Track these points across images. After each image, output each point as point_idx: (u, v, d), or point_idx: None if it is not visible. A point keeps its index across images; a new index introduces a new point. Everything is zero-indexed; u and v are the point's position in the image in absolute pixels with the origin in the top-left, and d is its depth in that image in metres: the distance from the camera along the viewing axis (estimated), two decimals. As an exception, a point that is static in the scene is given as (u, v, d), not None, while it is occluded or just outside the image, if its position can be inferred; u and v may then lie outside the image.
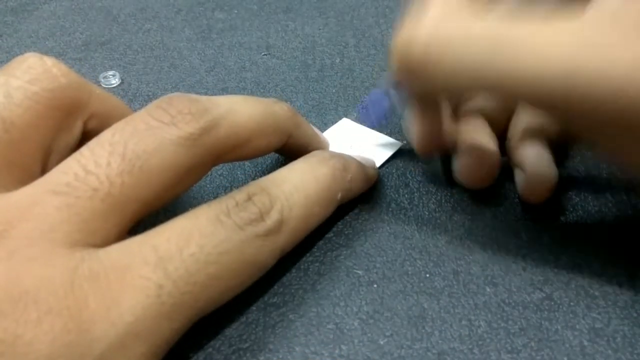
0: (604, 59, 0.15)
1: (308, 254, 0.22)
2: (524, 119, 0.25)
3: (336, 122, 0.29)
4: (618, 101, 0.15)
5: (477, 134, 0.24)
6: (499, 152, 0.24)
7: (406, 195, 0.25)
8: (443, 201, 0.24)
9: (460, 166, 0.24)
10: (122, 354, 0.15)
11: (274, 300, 0.20)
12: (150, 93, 0.32)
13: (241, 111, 0.20)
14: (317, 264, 0.22)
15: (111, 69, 0.34)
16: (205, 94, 0.19)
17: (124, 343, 0.15)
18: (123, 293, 0.15)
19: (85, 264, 0.15)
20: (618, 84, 0.15)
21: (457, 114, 0.25)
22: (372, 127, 0.28)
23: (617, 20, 0.16)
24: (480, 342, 0.19)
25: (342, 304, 0.20)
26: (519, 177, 0.23)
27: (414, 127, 0.24)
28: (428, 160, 0.26)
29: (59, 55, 0.36)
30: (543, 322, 0.19)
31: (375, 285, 0.21)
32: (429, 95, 0.22)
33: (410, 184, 0.25)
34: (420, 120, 0.23)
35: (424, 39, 0.18)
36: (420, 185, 0.25)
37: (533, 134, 0.24)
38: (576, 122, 0.18)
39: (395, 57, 0.19)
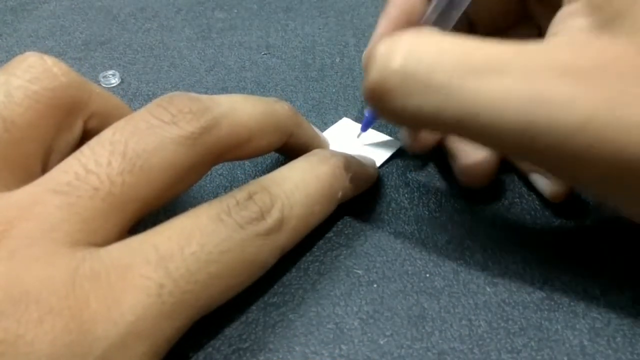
0: (565, 100, 0.15)
1: (308, 254, 0.22)
2: None
3: (336, 122, 0.29)
4: (579, 138, 0.15)
5: None
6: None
7: (406, 195, 0.25)
8: (443, 201, 0.24)
9: (458, 169, 0.24)
10: (124, 353, 0.15)
11: (274, 300, 0.20)
12: (150, 93, 0.32)
13: (242, 110, 0.19)
14: (317, 264, 0.22)
15: (111, 68, 0.34)
16: (205, 93, 0.19)
17: (125, 342, 0.15)
18: (124, 292, 0.15)
19: (86, 264, 0.15)
20: (579, 120, 0.15)
21: None
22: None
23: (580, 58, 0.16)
24: (480, 342, 0.19)
25: (342, 303, 0.20)
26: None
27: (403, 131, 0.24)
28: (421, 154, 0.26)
29: (59, 54, 0.35)
30: (543, 322, 0.19)
31: (375, 285, 0.21)
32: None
33: (410, 184, 0.25)
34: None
35: (400, 59, 0.17)
36: (420, 185, 0.25)
37: None
38: (538, 159, 0.18)
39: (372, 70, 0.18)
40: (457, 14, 0.21)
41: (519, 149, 0.17)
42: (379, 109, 0.19)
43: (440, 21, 0.21)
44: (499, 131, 0.16)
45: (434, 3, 0.21)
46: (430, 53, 0.17)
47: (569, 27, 0.17)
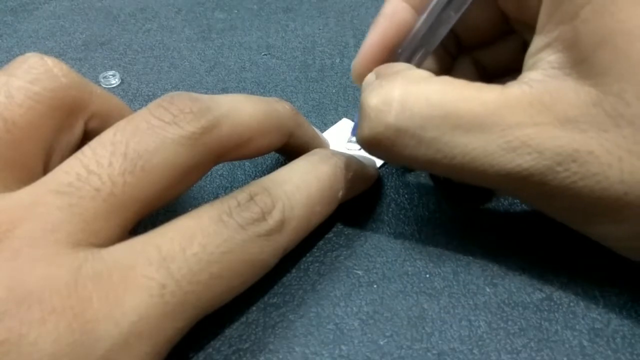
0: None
1: (308, 254, 0.22)
2: None
3: (336, 122, 0.29)
4: (549, 182, 0.17)
5: None
6: None
7: (406, 195, 0.25)
8: (443, 201, 0.24)
9: None
10: (126, 353, 0.15)
11: (274, 300, 0.20)
12: (150, 93, 0.32)
13: (243, 110, 0.20)
14: (317, 264, 0.22)
15: (111, 69, 0.34)
16: (206, 93, 0.19)
17: (128, 342, 0.15)
18: (126, 293, 0.15)
19: (88, 264, 0.15)
20: (545, 169, 0.17)
21: None
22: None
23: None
24: (480, 343, 0.19)
25: (342, 304, 0.20)
26: None
27: None
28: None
29: (59, 55, 0.36)
30: (543, 323, 0.19)
31: (375, 286, 0.21)
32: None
33: (410, 184, 0.25)
34: None
35: (393, 118, 0.18)
36: (420, 185, 0.25)
37: None
38: (520, 198, 0.21)
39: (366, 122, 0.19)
40: (445, 30, 0.21)
41: (503, 191, 0.19)
42: (376, 155, 0.21)
43: (429, 35, 0.21)
44: (485, 178, 0.18)
45: (423, 17, 0.21)
46: (420, 108, 0.18)
47: (543, 62, 0.18)
